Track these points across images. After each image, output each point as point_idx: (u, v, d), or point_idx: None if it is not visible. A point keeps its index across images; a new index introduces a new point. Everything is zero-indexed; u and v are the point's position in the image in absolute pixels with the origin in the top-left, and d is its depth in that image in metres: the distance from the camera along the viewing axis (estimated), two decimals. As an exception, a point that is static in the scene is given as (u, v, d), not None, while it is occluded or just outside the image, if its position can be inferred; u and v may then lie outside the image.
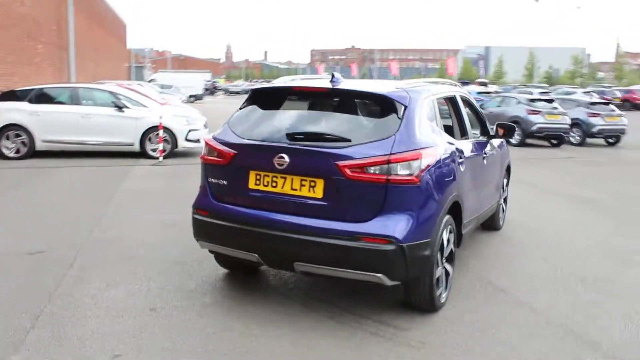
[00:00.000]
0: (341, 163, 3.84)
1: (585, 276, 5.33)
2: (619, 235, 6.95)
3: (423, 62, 73.98)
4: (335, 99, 4.41)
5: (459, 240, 4.73)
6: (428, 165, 3.95)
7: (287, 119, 4.40)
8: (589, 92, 33.71)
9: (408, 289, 4.18)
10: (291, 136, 4.10)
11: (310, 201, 3.95)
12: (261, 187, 4.12)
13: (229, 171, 4.25)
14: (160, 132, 11.76)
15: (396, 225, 3.80)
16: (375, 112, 4.19)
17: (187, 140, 12.49)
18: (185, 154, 12.79)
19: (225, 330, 3.98)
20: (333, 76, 4.46)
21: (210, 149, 4.39)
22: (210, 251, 4.71)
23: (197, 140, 12.68)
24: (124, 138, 12.03)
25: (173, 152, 12.42)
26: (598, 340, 4.00)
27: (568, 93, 31.43)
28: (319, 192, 3.93)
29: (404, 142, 3.90)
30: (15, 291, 4.58)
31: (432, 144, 4.13)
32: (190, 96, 39.64)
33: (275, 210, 4.05)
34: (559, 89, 36.49)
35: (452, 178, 4.35)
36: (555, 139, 17.94)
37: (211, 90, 59.62)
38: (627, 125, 18.36)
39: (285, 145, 4.03)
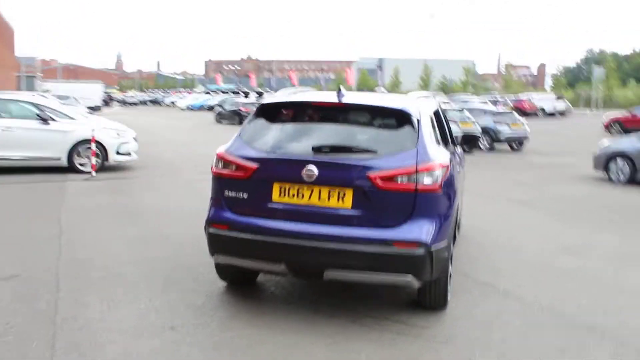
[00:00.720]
0: (372, 174, 4.00)
1: (551, 266, 5.89)
2: (560, 228, 7.78)
3: (321, 73, 75.67)
4: (352, 113, 4.56)
5: (454, 241, 5.04)
6: (445, 175, 4.21)
7: (309, 132, 4.48)
8: (485, 101, 36.20)
9: (426, 288, 4.39)
10: (317, 149, 4.19)
11: (340, 211, 4.07)
12: (285, 199, 4.17)
13: (251, 184, 4.25)
14: (93, 145, 11.18)
15: (424, 231, 4.02)
16: (392, 125, 4.38)
17: (118, 153, 11.96)
18: (116, 168, 12.24)
19: (257, 343, 3.97)
20: (340, 90, 4.63)
21: (226, 162, 4.36)
22: (219, 265, 4.68)
23: (129, 154, 12.21)
24: (50, 152, 11.29)
25: (104, 167, 11.84)
26: (589, 322, 4.47)
27: (465, 101, 33.59)
28: (347, 202, 4.05)
29: (425, 153, 4.14)
30: (13, 318, 4.25)
31: (444, 154, 4.41)
32: (88, 107, 37.75)
33: (302, 220, 4.12)
34: (455, 96, 38.85)
35: (456, 185, 4.66)
36: (467, 144, 19.10)
37: (106, 101, 57.06)
38: (529, 132, 20.00)
39: (313, 158, 4.12)
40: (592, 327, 4.40)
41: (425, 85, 65.76)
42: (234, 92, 54.99)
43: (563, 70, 79.40)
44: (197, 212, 8.01)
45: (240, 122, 31.54)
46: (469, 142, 18.81)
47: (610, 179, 12.35)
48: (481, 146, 19.39)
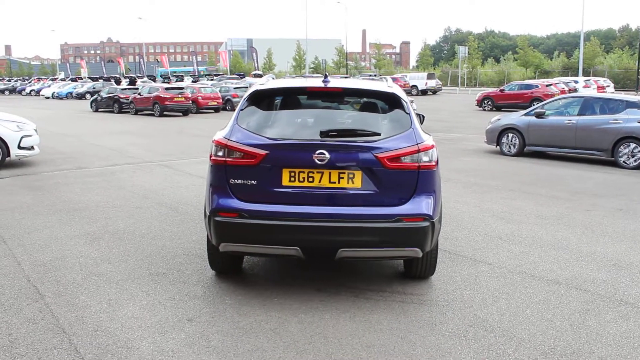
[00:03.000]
0: (380, 155, 4.27)
1: (501, 235, 6.56)
2: (480, 198, 8.61)
3: (194, 55, 73.58)
4: (347, 98, 4.75)
5: None
6: (436, 153, 4.59)
7: (310, 117, 4.62)
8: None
9: (421, 259, 4.76)
10: (325, 133, 4.35)
11: (350, 191, 4.29)
12: (296, 183, 4.30)
13: (259, 171, 4.32)
14: (-6, 140, 10.22)
15: (427, 205, 4.38)
16: (386, 109, 4.66)
17: (20, 148, 11.03)
18: (20, 164, 11.28)
19: (281, 325, 4.10)
20: (326, 76, 4.83)
21: (231, 150, 4.38)
22: (214, 255, 4.75)
23: (32, 148, 11.31)
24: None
25: (4, 163, 10.86)
26: (553, 278, 5.15)
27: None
28: (357, 182, 4.29)
29: (419, 134, 4.49)
30: (12, 330, 3.97)
31: (428, 135, 4.78)
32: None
33: (313, 203, 4.29)
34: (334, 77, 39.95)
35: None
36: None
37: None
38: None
39: (323, 142, 4.28)
40: (556, 281, 5.07)
41: (299, 66, 66.59)
42: (104, 80, 52.03)
43: (426, 49, 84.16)
44: (138, 205, 7.84)
45: (121, 110, 29.99)
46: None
47: (502, 152, 13.68)
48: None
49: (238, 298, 4.57)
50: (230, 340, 3.85)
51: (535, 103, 24.88)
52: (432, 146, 4.48)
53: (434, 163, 4.46)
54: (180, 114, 26.84)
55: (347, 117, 4.65)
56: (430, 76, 46.71)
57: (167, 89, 27.10)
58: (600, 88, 32.57)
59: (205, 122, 23.46)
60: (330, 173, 4.28)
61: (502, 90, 30.94)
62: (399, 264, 5.33)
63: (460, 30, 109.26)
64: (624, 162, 11.71)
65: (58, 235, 6.34)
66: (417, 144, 4.37)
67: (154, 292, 4.68)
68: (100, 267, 5.27)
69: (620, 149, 11.80)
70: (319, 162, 4.23)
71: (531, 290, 4.86)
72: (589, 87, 32.06)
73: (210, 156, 4.54)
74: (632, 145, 11.65)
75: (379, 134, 4.39)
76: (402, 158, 4.31)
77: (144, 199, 8.27)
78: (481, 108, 30.81)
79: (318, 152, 4.23)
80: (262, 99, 4.73)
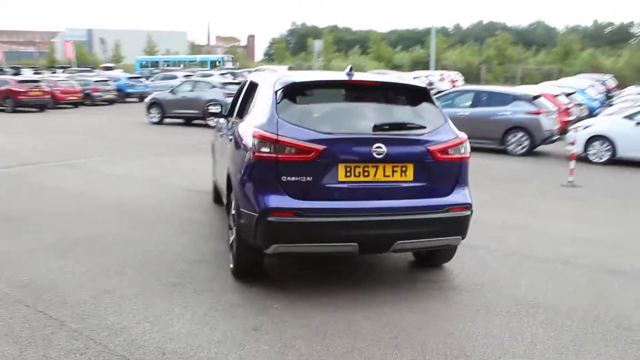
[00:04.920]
0: (432, 147, 4.35)
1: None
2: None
3: (33, 46, 66.22)
4: (385, 92, 4.74)
5: None
6: (469, 146, 4.77)
7: (355, 110, 4.52)
8: (224, 73, 36.87)
9: (450, 248, 4.92)
10: (378, 127, 4.29)
11: (403, 184, 4.31)
12: (352, 178, 4.21)
13: (315, 166, 4.15)
14: None
15: (467, 194, 4.57)
16: (419, 102, 4.70)
17: None
18: None
19: (352, 322, 4.02)
20: (351, 69, 4.78)
21: (283, 145, 4.13)
22: (241, 258, 4.51)
23: None
24: None
25: None
26: (543, 256, 5.65)
27: (205, 75, 33.82)
28: (409, 175, 4.32)
29: (453, 127, 4.63)
30: (41, 350, 3.40)
31: None
32: None
33: (369, 198, 4.24)
34: (199, 71, 38.73)
35: None
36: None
37: None
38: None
39: (380, 135, 4.23)
40: (547, 259, 5.57)
41: (150, 58, 63.40)
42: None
43: (281, 41, 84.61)
44: (78, 210, 7.01)
45: (17, 106, 25.81)
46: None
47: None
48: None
49: (283, 302, 4.35)
50: (317, 344, 3.69)
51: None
52: (467, 139, 4.65)
53: (469, 155, 4.64)
54: (37, 109, 24.18)
55: (390, 111, 4.64)
56: (290, 69, 47.22)
57: (20, 81, 24.20)
58: (453, 82, 35.53)
59: (70, 118, 21.39)
60: (384, 167, 4.26)
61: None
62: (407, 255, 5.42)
63: (306, 24, 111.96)
64: (512, 150, 13.01)
65: (15, 250, 5.46)
66: (458, 137, 4.52)
67: (186, 304, 4.27)
68: (100, 282, 4.66)
69: (509, 138, 13.09)
70: (376, 156, 4.19)
71: (535, 268, 5.29)
72: (443, 80, 34.78)
73: (253, 152, 4.25)
74: (519, 134, 12.99)
75: (424, 127, 4.45)
76: (449, 150, 4.43)
77: (80, 203, 7.40)
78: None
79: (376, 145, 4.19)
80: (299, 92, 4.54)
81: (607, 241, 6.27)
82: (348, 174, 4.21)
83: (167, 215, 6.92)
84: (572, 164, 9.87)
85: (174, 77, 34.16)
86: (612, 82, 28.93)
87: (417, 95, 4.74)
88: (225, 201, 5.42)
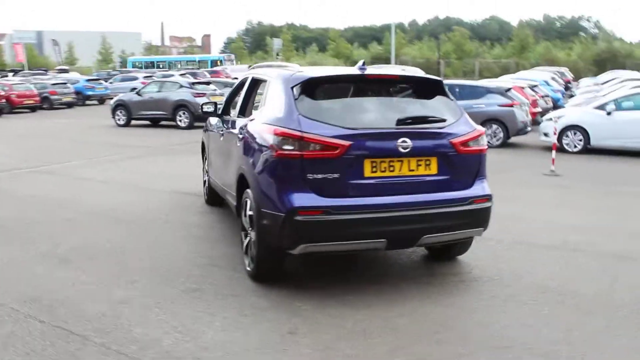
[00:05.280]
0: (454, 140, 4.33)
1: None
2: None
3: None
4: (402, 85, 4.68)
5: None
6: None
7: (376, 104, 4.47)
8: (184, 73, 36.21)
9: (467, 240, 4.92)
10: (402, 121, 4.24)
11: (427, 178, 4.28)
12: (378, 174, 4.15)
13: (341, 163, 4.07)
14: None
15: (487, 186, 4.58)
16: (434, 95, 4.67)
17: None
18: None
19: (389, 319, 3.97)
20: (364, 64, 4.71)
21: (307, 142, 4.03)
22: (264, 259, 4.44)
23: None
24: None
25: None
26: (543, 243, 5.75)
27: (165, 76, 33.03)
28: (433, 168, 4.29)
29: (470, 119, 4.62)
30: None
31: None
32: None
33: (396, 193, 4.19)
34: (158, 72, 37.93)
35: None
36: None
37: None
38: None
39: (404, 129, 4.18)
40: (547, 246, 5.67)
41: (105, 60, 61.85)
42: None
43: (238, 40, 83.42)
44: (67, 217, 6.73)
45: None
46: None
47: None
48: (180, 123, 18.06)
49: (311, 303, 4.25)
50: (359, 344, 3.61)
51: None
52: (484, 131, 4.65)
53: (486, 147, 4.64)
54: (-10, 114, 23.19)
55: (410, 104, 4.59)
56: (250, 68, 46.75)
57: (-28, 86, 23.18)
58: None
59: (31, 122, 20.61)
60: (409, 161, 4.22)
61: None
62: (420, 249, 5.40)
63: (262, 23, 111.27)
64: (488, 142, 13.20)
65: (10, 261, 5.18)
66: (476, 129, 4.51)
67: (211, 310, 4.12)
68: (113, 292, 4.45)
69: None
70: (402, 151, 4.14)
71: (545, 256, 5.37)
72: (405, 76, 34.94)
73: (275, 150, 4.13)
74: (494, 126, 13.21)
75: (444, 120, 4.42)
76: (469, 143, 4.42)
77: (67, 210, 7.09)
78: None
79: (401, 140, 4.14)
80: (316, 88, 4.44)
81: (601, 227, 6.42)
82: (374, 169, 4.15)
83: (162, 219, 6.69)
84: (554, 153, 10.10)
85: (135, 79, 33.45)
86: (569, 75, 29.80)
87: (432, 88, 4.71)
88: (234, 203, 5.27)
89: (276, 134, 4.15)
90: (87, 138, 15.38)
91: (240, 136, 4.96)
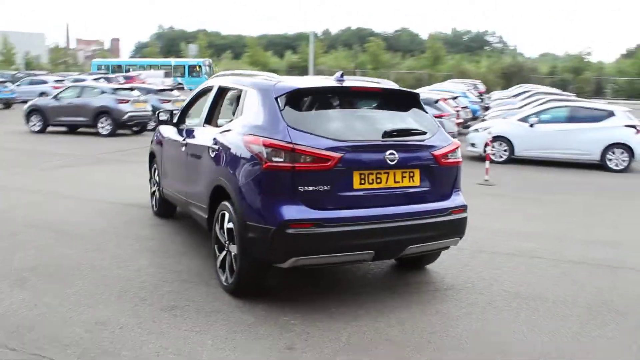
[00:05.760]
0: (435, 152, 4.45)
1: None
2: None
3: None
4: (384, 98, 4.74)
5: None
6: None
7: (360, 117, 4.52)
8: (97, 78, 34.67)
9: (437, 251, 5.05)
10: (388, 133, 4.29)
11: (410, 189, 4.37)
12: (366, 186, 4.19)
13: (331, 175, 4.06)
14: None
15: (462, 196, 4.74)
16: (411, 107, 4.76)
17: None
18: None
19: (368, 329, 4.00)
20: (342, 75, 4.75)
21: (299, 154, 3.98)
22: (247, 274, 4.35)
23: None
24: None
25: None
26: (510, 252, 6.03)
27: (77, 80, 31.40)
28: (416, 180, 4.39)
29: (445, 132, 4.77)
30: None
31: None
32: None
33: (383, 204, 4.24)
34: (69, 76, 36.02)
35: None
36: (138, 126, 18.45)
37: None
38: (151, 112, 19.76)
39: (390, 142, 4.24)
40: (513, 254, 5.96)
41: (7, 61, 57.84)
42: None
43: (152, 46, 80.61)
44: (11, 231, 6.20)
45: None
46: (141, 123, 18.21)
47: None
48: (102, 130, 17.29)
49: (297, 316, 4.19)
50: (362, 357, 3.61)
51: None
52: (460, 144, 4.82)
53: (462, 159, 4.80)
54: None
55: (392, 117, 4.64)
56: (167, 74, 45.43)
57: None
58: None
59: None
60: (395, 173, 4.29)
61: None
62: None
63: (174, 28, 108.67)
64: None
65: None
66: (453, 142, 4.66)
67: (198, 328, 3.95)
68: (86, 313, 4.16)
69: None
70: (390, 163, 4.20)
71: (507, 263, 5.63)
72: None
73: (264, 162, 4.05)
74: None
75: (425, 132, 4.54)
76: (449, 155, 4.55)
77: (6, 226, 6.53)
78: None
79: (389, 152, 4.20)
80: (302, 99, 4.41)
81: (547, 234, 6.83)
82: (362, 181, 4.18)
83: (115, 234, 6.34)
84: (487, 163, 10.63)
85: (43, 82, 31.66)
86: (482, 87, 31.45)
87: (410, 101, 4.81)
88: (203, 215, 5.08)
89: (265, 145, 4.07)
90: (5, 144, 14.32)
91: (216, 146, 4.81)
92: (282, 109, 4.27)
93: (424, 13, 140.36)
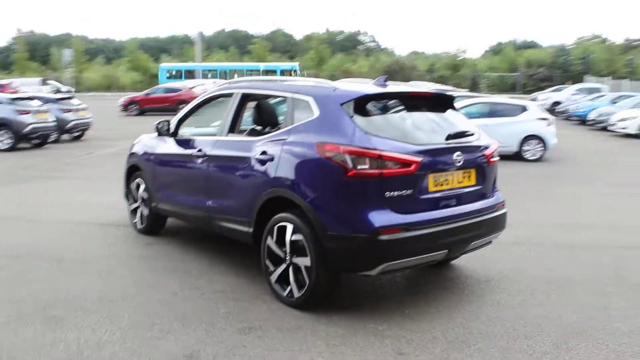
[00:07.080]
0: (486, 152, 4.74)
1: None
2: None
3: None
4: (433, 101, 4.92)
5: None
6: None
7: (421, 121, 4.64)
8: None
9: None
10: (451, 136, 4.46)
11: (469, 189, 4.61)
12: (438, 188, 4.36)
13: (412, 179, 4.17)
14: None
15: (500, 193, 5.02)
16: (449, 109, 4.96)
17: None
18: None
19: (451, 327, 4.16)
20: (386, 79, 4.89)
21: (385, 160, 4.04)
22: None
23: None
24: None
25: None
26: (515, 241, 6.42)
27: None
28: (473, 179, 4.63)
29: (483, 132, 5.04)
30: None
31: None
32: None
33: (452, 205, 4.45)
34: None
35: None
36: (40, 138, 17.03)
37: None
38: (92, 119, 19.27)
39: (453, 144, 4.47)
40: (515, 243, 6.38)
41: None
42: None
43: (21, 51, 73.15)
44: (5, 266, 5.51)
45: None
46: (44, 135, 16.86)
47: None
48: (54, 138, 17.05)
49: (380, 322, 4.22)
50: (476, 352, 3.75)
51: (182, 106, 25.52)
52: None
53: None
54: None
55: (446, 120, 4.77)
56: (45, 81, 41.75)
57: None
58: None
59: None
60: (457, 174, 4.49)
61: (147, 94, 30.93)
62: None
63: (34, 32, 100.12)
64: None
65: None
66: (495, 142, 4.94)
67: (298, 347, 3.84)
68: (161, 346, 3.86)
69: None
70: (456, 164, 4.37)
71: (517, 251, 6.06)
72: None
73: (347, 169, 4.04)
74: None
75: (473, 134, 4.77)
76: (493, 155, 4.83)
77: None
78: (127, 112, 30.02)
79: (456, 154, 4.38)
80: (368, 104, 4.47)
81: (533, 221, 7.35)
82: (436, 183, 4.32)
83: (115, 257, 5.85)
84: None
85: None
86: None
87: (449, 104, 5.00)
88: (245, 229, 4.88)
89: (349, 153, 4.05)
90: None
91: (265, 157, 4.63)
92: (352, 116, 4.26)
93: (296, 14, 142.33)
